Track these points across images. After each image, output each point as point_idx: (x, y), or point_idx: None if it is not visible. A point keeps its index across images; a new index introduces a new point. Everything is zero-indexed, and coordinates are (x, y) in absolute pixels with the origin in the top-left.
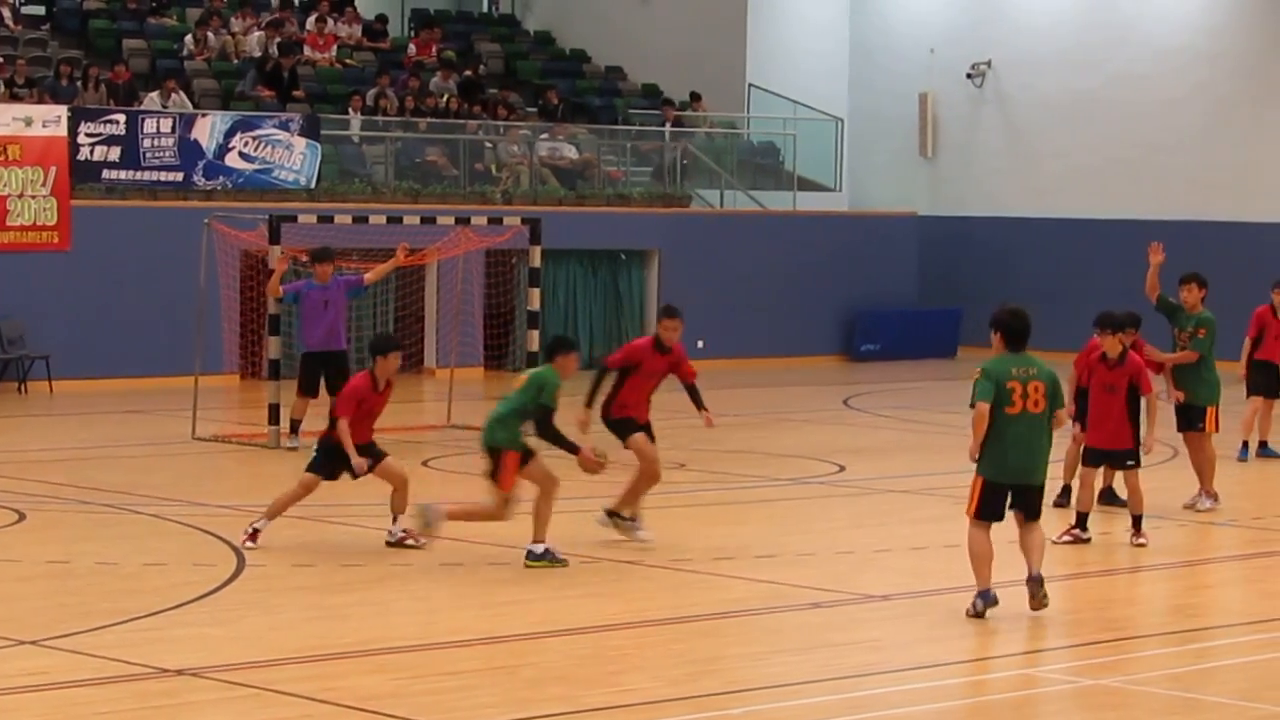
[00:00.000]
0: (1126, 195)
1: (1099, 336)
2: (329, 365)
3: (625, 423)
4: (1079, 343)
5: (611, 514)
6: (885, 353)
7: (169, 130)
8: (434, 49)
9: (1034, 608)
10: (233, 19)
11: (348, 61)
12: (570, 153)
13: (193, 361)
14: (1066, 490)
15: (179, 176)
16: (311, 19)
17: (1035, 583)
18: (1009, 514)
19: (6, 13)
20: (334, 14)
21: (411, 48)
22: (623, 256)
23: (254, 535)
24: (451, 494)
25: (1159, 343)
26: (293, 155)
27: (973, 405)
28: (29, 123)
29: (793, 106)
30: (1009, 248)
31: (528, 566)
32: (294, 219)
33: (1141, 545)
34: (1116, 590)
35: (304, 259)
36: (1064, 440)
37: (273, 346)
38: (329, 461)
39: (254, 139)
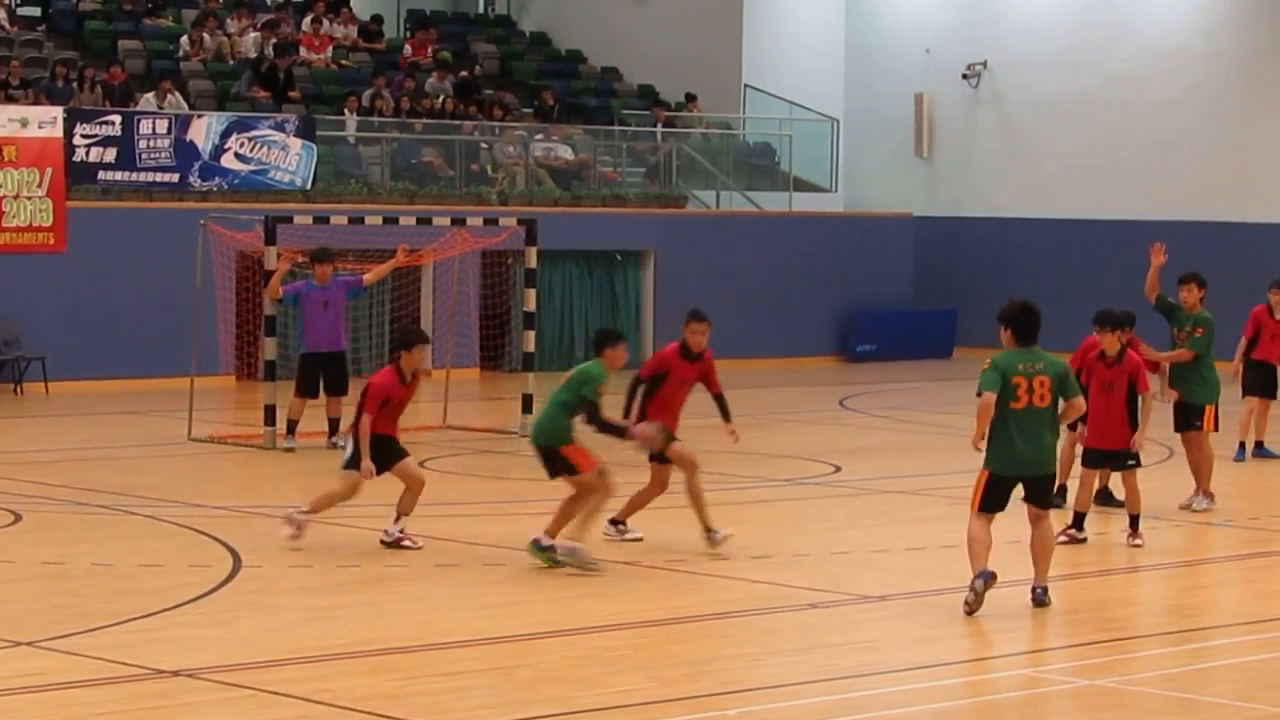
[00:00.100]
0: (1123, 196)
1: (1098, 334)
2: (328, 366)
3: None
4: (1076, 343)
5: (614, 522)
6: (881, 353)
7: (165, 131)
8: (430, 50)
9: (1037, 604)
10: (228, 20)
11: (343, 62)
12: (566, 153)
13: (189, 362)
14: (1063, 490)
15: (175, 177)
16: (307, 20)
17: (1039, 594)
18: (1020, 511)
19: (2, 14)
20: (329, 15)
21: (407, 48)
22: (618, 257)
23: (298, 527)
24: (448, 494)
25: (1158, 343)
26: (288, 156)
27: (979, 395)
28: (25, 124)
29: (788, 107)
30: (1005, 248)
31: (530, 554)
32: (290, 220)
33: (1138, 546)
34: (1113, 591)
35: (300, 259)
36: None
37: (269, 347)
38: (377, 453)
39: (250, 140)
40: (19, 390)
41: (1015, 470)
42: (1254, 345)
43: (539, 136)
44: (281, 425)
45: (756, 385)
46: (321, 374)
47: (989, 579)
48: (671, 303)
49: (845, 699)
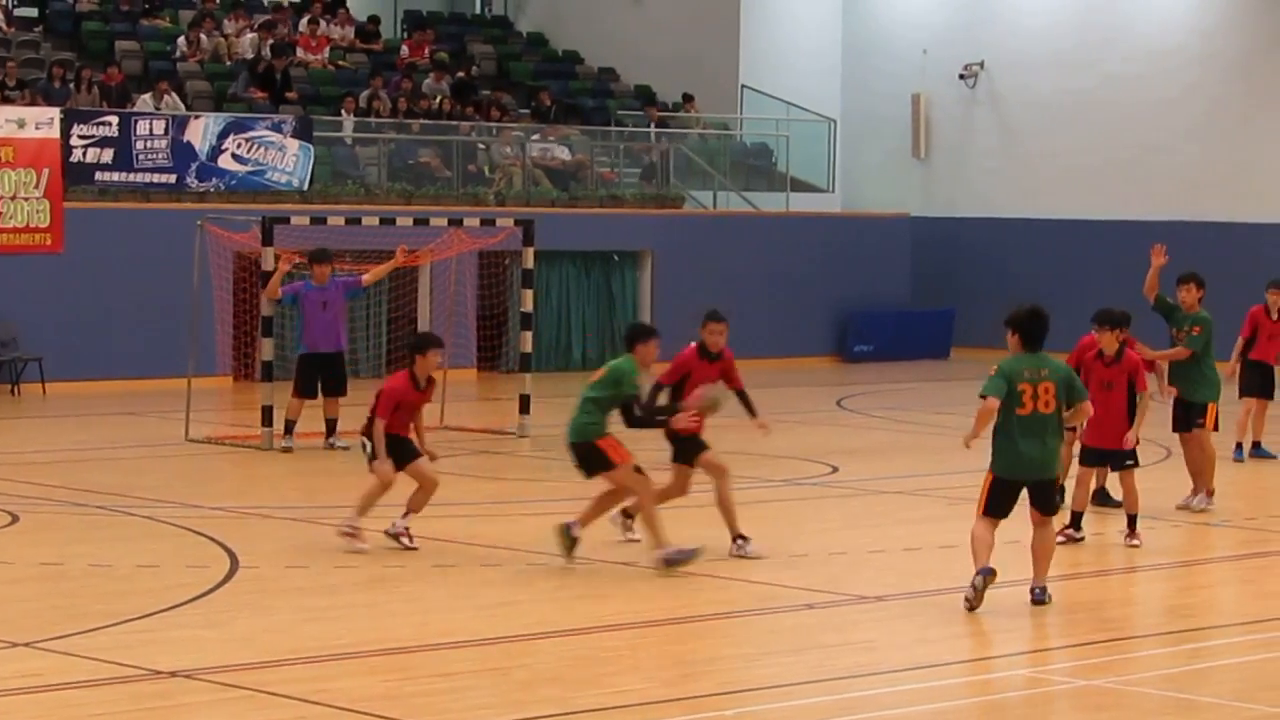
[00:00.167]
0: (1119, 196)
1: (1096, 333)
2: (326, 367)
3: (689, 439)
4: (1072, 343)
5: (626, 514)
6: (878, 354)
7: (162, 132)
8: (427, 50)
9: (1036, 603)
10: (225, 21)
11: (340, 63)
12: (563, 154)
13: (186, 363)
14: (1061, 490)
15: (172, 178)
16: (304, 21)
17: (1038, 594)
18: (1020, 512)
19: None
20: (326, 16)
21: (404, 49)
22: (615, 258)
23: (356, 533)
24: (446, 494)
25: (1158, 343)
26: (285, 157)
27: (982, 397)
28: (22, 125)
29: (785, 108)
30: (1002, 249)
31: (555, 536)
32: (287, 221)
33: (1135, 546)
34: (1111, 591)
35: (299, 261)
36: None
37: (266, 348)
38: (390, 453)
39: (247, 141)
40: (16, 391)
41: (1019, 474)
42: (1251, 345)
43: (536, 137)
44: (279, 426)
45: (754, 385)
46: (320, 375)
47: (989, 575)
48: (669, 303)
49: (843, 699)
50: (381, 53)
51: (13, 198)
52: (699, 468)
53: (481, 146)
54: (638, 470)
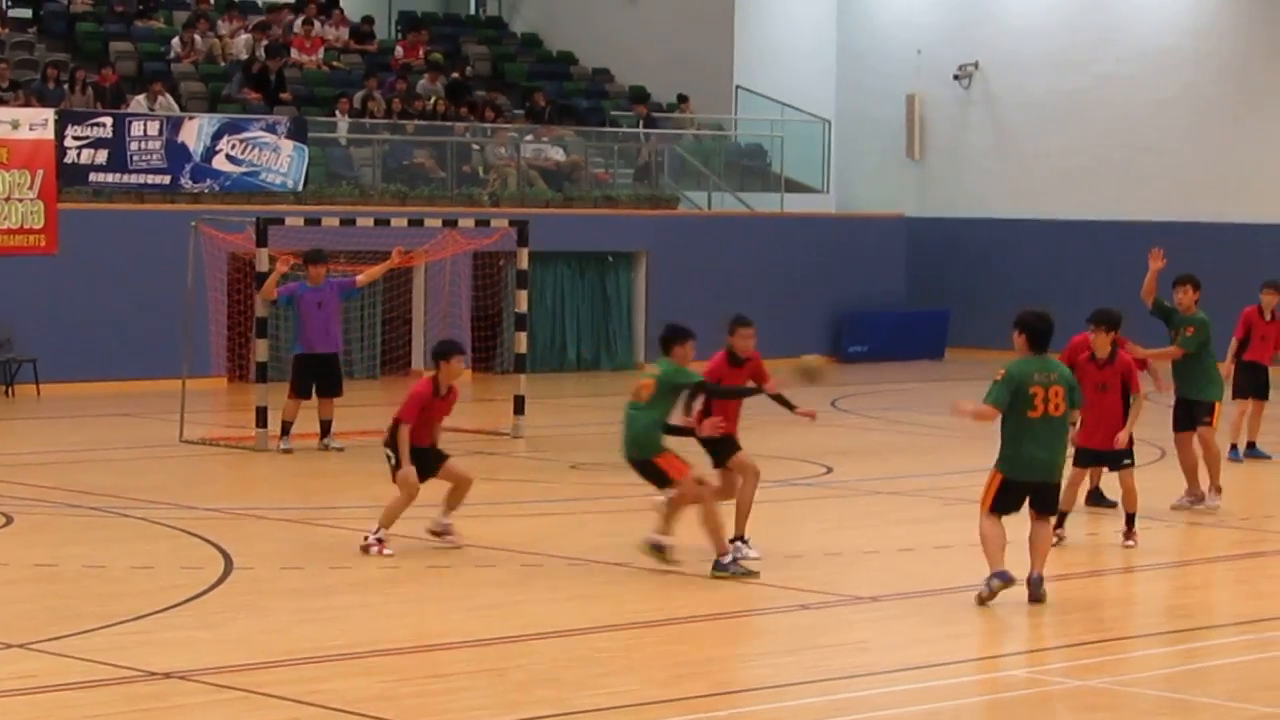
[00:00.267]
0: (1114, 196)
1: (1093, 333)
2: (322, 368)
3: (722, 441)
4: (1064, 343)
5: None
6: (873, 354)
7: (156, 133)
8: (421, 51)
9: (1034, 598)
10: (220, 22)
11: (335, 64)
12: (558, 155)
13: (180, 364)
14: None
15: (166, 179)
16: (298, 21)
17: (1035, 584)
18: (1021, 510)
19: None
20: (321, 16)
21: (399, 50)
22: (610, 258)
23: (381, 545)
24: (440, 496)
25: (1156, 345)
26: (280, 158)
27: (985, 402)
28: (16, 126)
29: (780, 108)
30: (997, 249)
31: (714, 577)
32: (281, 221)
33: (1131, 547)
34: (1106, 591)
35: (295, 262)
36: None
37: (260, 349)
38: (413, 463)
39: (241, 142)
40: (10, 392)
41: (1028, 477)
42: (1245, 346)
43: (530, 138)
44: (274, 427)
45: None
46: (315, 376)
47: (1007, 582)
48: (663, 304)
49: (837, 700)
50: (376, 54)
51: (7, 199)
52: (732, 468)
53: (476, 147)
54: (699, 481)
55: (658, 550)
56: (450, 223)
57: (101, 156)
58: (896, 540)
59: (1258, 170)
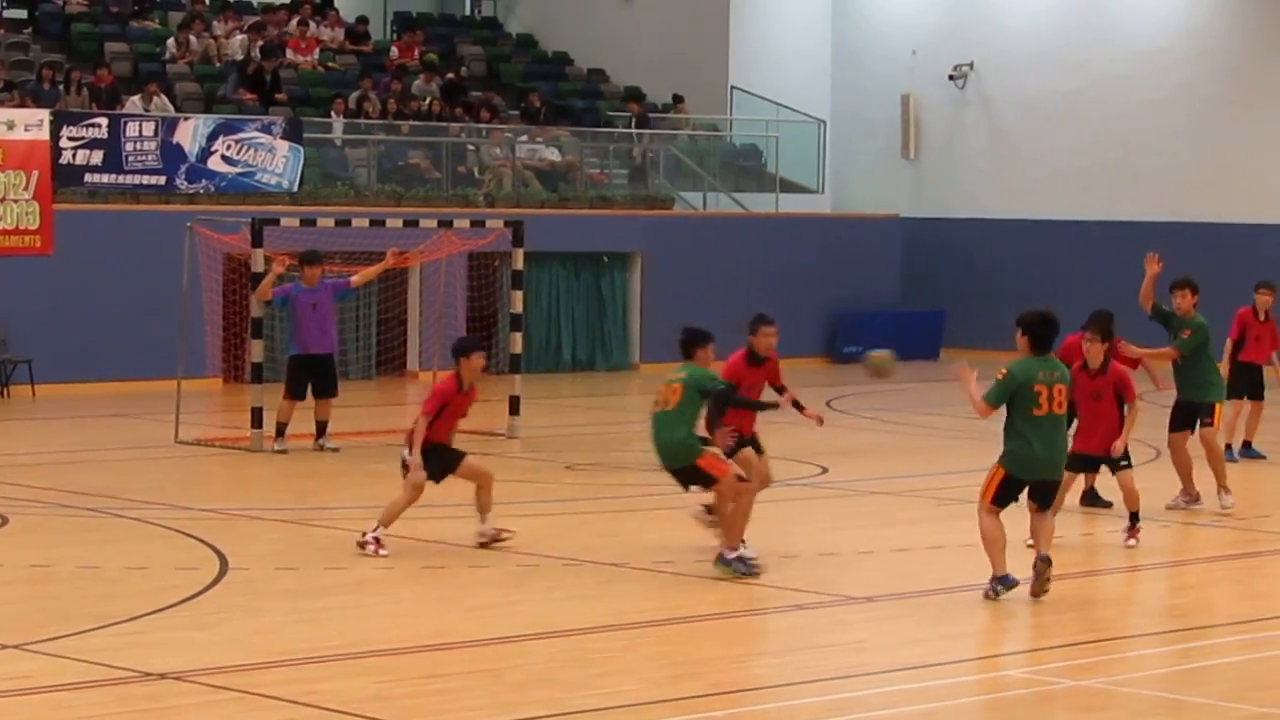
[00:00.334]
0: (1109, 197)
1: (1088, 342)
2: (317, 368)
3: (740, 445)
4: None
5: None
6: None
7: (151, 134)
8: (416, 52)
9: (1035, 591)
10: (215, 22)
11: (330, 65)
12: (553, 155)
13: (176, 365)
14: None
15: (161, 180)
16: (294, 22)
17: (1044, 562)
18: (1018, 513)
19: None
20: (316, 17)
21: (394, 51)
22: (605, 259)
23: (378, 544)
24: (435, 495)
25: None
26: (275, 158)
27: (985, 399)
28: (11, 126)
29: (775, 108)
30: (991, 249)
31: (716, 570)
32: (277, 222)
33: (1133, 546)
34: (1101, 591)
35: (291, 263)
36: None
37: (255, 350)
38: (429, 463)
39: (236, 142)
40: (6, 393)
41: (1031, 474)
42: (1239, 347)
43: (525, 138)
44: (269, 428)
45: None
46: (311, 376)
47: (1011, 586)
48: (658, 304)
49: (833, 700)
50: (371, 54)
51: (2, 200)
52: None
53: (471, 148)
54: (740, 479)
55: (729, 565)
56: (445, 223)
57: (97, 157)
58: (892, 540)
59: (1253, 170)
